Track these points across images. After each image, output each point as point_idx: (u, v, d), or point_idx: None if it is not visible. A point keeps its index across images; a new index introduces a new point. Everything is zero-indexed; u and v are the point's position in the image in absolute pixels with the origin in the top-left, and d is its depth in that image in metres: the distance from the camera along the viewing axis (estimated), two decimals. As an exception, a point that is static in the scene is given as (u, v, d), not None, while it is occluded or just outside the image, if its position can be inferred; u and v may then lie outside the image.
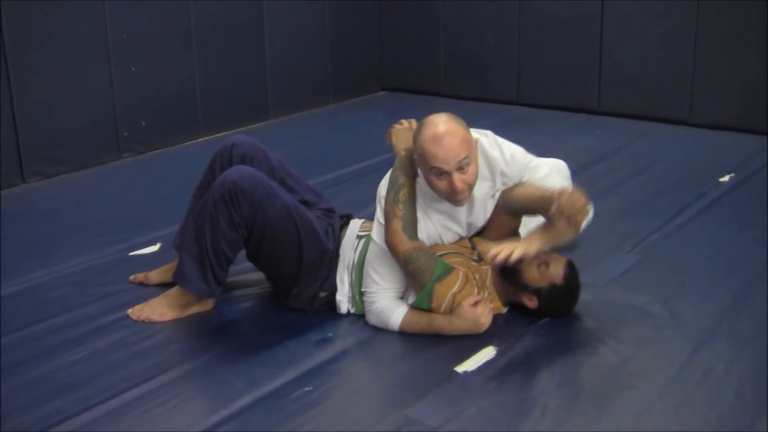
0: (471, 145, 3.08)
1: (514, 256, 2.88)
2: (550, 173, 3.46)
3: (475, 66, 7.16)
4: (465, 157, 3.02)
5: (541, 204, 3.11)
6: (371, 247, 3.27)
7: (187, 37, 5.97)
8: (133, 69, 5.65)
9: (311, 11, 6.91)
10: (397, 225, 3.15)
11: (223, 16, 6.18)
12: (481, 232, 3.38)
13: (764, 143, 5.64)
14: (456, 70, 7.29)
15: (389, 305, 3.21)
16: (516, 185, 3.28)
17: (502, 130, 6.19)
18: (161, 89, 5.87)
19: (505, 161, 3.26)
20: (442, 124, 3.06)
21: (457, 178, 3.02)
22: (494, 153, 3.26)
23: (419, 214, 3.23)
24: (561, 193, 2.98)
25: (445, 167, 3.01)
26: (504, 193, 3.28)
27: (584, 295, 3.43)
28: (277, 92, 6.72)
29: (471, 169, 3.06)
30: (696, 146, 5.70)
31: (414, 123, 3.52)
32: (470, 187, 3.10)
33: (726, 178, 4.93)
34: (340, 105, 7.26)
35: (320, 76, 7.13)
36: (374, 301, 3.23)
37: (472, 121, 6.19)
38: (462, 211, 3.26)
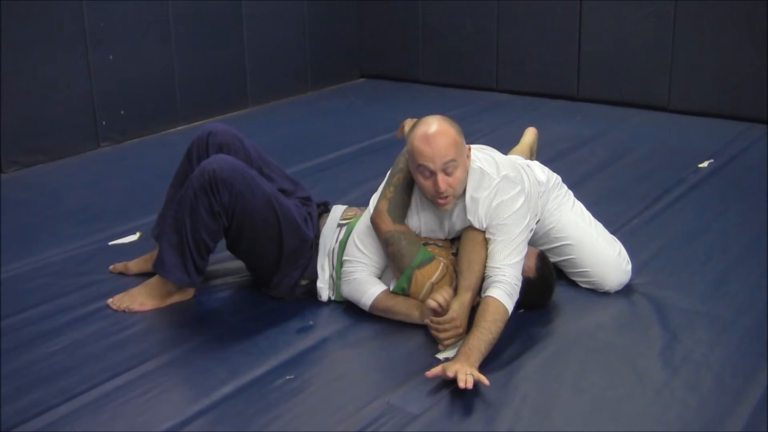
0: (460, 149, 3.04)
1: (470, 385, 2.66)
2: (504, 246, 3.07)
3: (454, 52, 7.15)
4: (452, 159, 2.99)
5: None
6: (363, 216, 3.29)
7: (165, 25, 5.93)
8: (110, 57, 5.61)
9: (290, -2, 6.90)
10: (384, 206, 3.17)
11: (201, 3, 6.15)
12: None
13: (743, 129, 5.67)
14: (435, 56, 7.28)
15: (367, 280, 3.22)
16: (470, 240, 3.14)
17: (481, 116, 6.27)
18: (139, 77, 5.84)
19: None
20: (435, 124, 3.03)
21: (442, 180, 3.00)
22: (491, 170, 3.16)
23: (411, 210, 3.23)
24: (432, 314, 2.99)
25: (431, 166, 2.99)
26: (466, 231, 3.18)
27: (564, 281, 3.45)
28: (255, 80, 6.69)
29: (457, 174, 3.03)
30: (675, 132, 5.72)
31: None
32: (455, 192, 3.07)
33: (705, 164, 4.96)
34: (319, 92, 7.24)
35: (299, 64, 7.10)
36: (353, 272, 3.24)
37: (452, 108, 6.22)
38: (450, 219, 3.22)
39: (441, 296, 3.00)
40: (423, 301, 3.11)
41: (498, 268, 3.01)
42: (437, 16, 7.16)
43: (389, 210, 3.17)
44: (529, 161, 3.60)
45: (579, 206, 3.54)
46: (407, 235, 3.16)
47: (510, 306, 2.95)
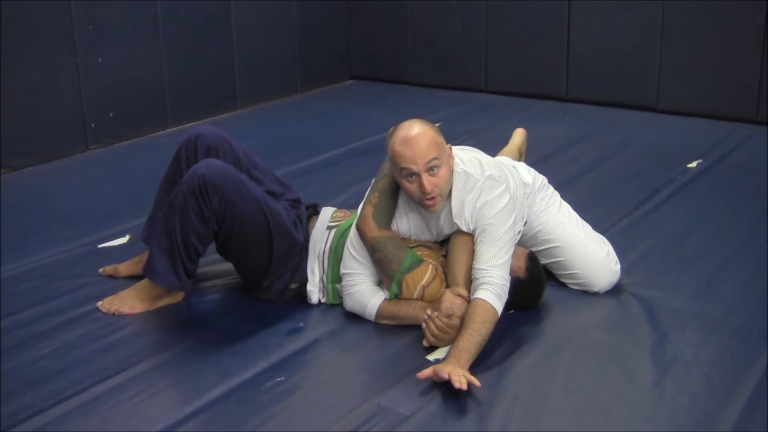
0: (441, 148, 3.04)
1: (464, 386, 2.65)
2: (494, 247, 3.05)
3: (443, 54, 7.16)
4: (434, 158, 2.99)
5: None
6: (353, 227, 3.28)
7: (154, 27, 5.93)
8: (99, 60, 5.61)
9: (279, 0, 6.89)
10: (369, 211, 3.16)
11: (190, 6, 6.14)
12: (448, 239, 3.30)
13: (731, 129, 5.69)
14: (424, 58, 7.28)
15: (367, 291, 3.21)
16: (457, 243, 3.17)
17: (470, 117, 6.27)
18: (128, 80, 5.83)
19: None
20: (412, 127, 3.03)
21: (427, 180, 2.99)
22: (475, 171, 3.16)
23: (400, 212, 3.23)
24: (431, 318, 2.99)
25: (414, 168, 2.99)
26: (453, 235, 3.21)
27: (553, 281, 3.45)
28: (244, 82, 6.69)
29: (442, 173, 3.02)
30: (663, 132, 5.74)
31: None
32: (441, 192, 3.06)
33: (694, 164, 4.97)
34: (309, 94, 7.24)
35: (288, 65, 7.10)
36: (354, 284, 3.23)
37: (441, 109, 6.22)
38: (438, 223, 3.22)
39: (457, 300, 3.03)
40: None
41: (485, 269, 3.01)
42: (426, 18, 7.16)
43: (374, 216, 3.16)
44: (515, 162, 3.60)
45: (566, 207, 3.55)
46: (393, 241, 3.15)
47: (499, 307, 2.96)
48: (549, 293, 3.35)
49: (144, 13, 5.86)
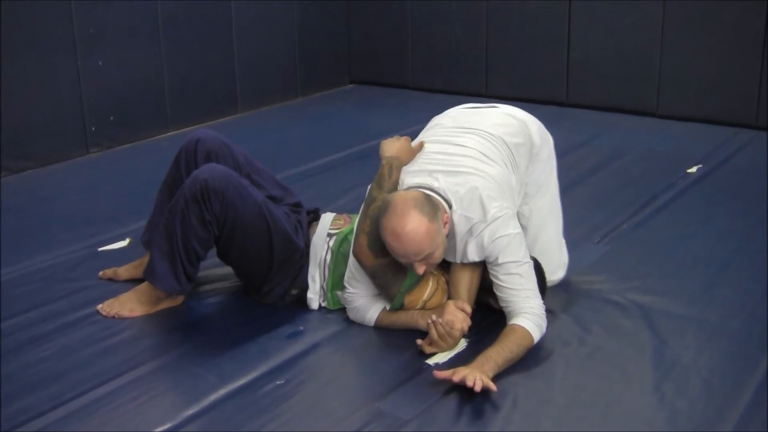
0: (435, 235, 2.89)
1: (478, 387, 2.67)
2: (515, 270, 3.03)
3: (443, 58, 7.16)
4: (427, 255, 2.91)
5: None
6: (351, 254, 3.25)
7: (154, 31, 5.93)
8: (100, 63, 5.61)
9: (279, 4, 6.89)
10: (363, 240, 3.10)
11: (190, 9, 6.15)
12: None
13: (731, 134, 5.69)
14: (424, 62, 7.29)
15: (366, 304, 3.21)
16: (462, 269, 3.16)
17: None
18: (129, 83, 5.83)
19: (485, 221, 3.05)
20: (404, 219, 2.86)
21: (419, 266, 2.93)
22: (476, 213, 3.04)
23: None
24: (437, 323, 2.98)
25: (405, 261, 2.94)
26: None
27: (553, 286, 3.45)
28: (245, 86, 6.69)
29: (436, 254, 2.94)
30: (663, 137, 5.74)
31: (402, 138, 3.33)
32: (435, 266, 3.04)
33: (693, 169, 4.97)
34: (309, 98, 7.24)
35: (289, 69, 7.10)
36: (353, 300, 3.23)
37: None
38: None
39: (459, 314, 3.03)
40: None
41: (523, 298, 2.99)
42: (426, 22, 7.16)
43: (369, 245, 3.08)
44: (525, 117, 3.50)
45: (557, 207, 3.49)
46: (391, 267, 3.09)
47: (537, 336, 2.95)
48: (549, 298, 3.35)
49: (144, 16, 5.86)
